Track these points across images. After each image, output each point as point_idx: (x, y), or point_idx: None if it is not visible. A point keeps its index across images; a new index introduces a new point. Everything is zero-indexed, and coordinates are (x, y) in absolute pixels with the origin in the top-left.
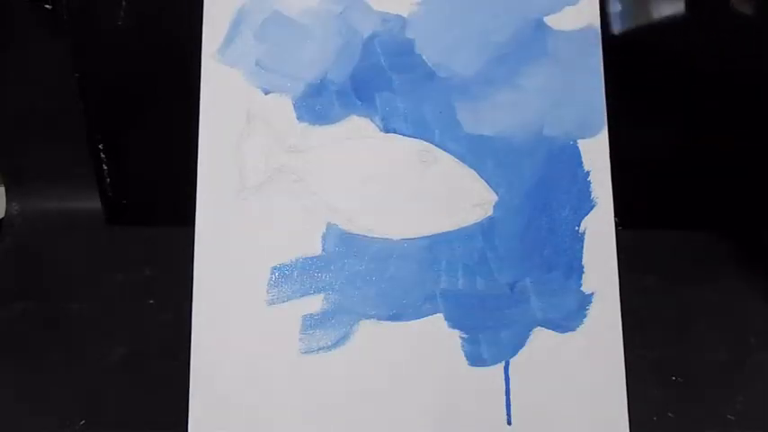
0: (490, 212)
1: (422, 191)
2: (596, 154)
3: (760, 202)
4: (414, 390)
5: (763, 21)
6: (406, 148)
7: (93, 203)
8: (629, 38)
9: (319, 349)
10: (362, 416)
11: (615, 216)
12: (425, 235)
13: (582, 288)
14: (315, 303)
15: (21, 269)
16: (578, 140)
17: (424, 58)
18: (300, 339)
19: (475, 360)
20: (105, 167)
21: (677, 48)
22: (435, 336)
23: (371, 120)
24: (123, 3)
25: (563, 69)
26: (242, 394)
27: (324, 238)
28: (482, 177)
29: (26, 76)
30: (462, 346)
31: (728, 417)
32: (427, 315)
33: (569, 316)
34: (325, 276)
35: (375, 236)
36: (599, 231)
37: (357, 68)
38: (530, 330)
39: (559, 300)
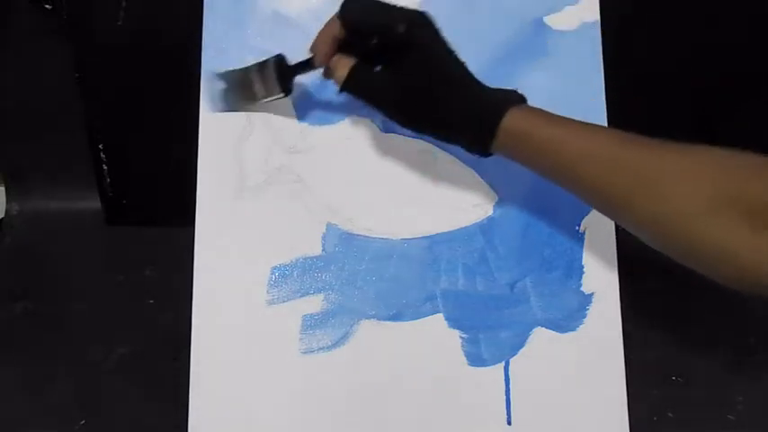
0: (490, 212)
1: (422, 191)
2: None
3: None
4: (414, 390)
5: (764, 20)
6: (406, 148)
7: (93, 203)
8: (629, 37)
9: (319, 349)
10: (362, 416)
11: None
12: (425, 235)
13: (582, 288)
14: (315, 303)
15: (21, 269)
16: None
17: None
18: (300, 339)
19: (475, 360)
20: (105, 167)
21: (678, 47)
22: (435, 336)
23: (371, 120)
24: (123, 3)
25: (563, 69)
26: (242, 394)
27: (324, 238)
28: (482, 177)
29: (26, 76)
30: (462, 346)
31: (728, 417)
32: (427, 315)
33: (569, 316)
34: (325, 276)
35: (375, 236)
36: (599, 231)
37: None
38: (530, 330)
39: (559, 300)
